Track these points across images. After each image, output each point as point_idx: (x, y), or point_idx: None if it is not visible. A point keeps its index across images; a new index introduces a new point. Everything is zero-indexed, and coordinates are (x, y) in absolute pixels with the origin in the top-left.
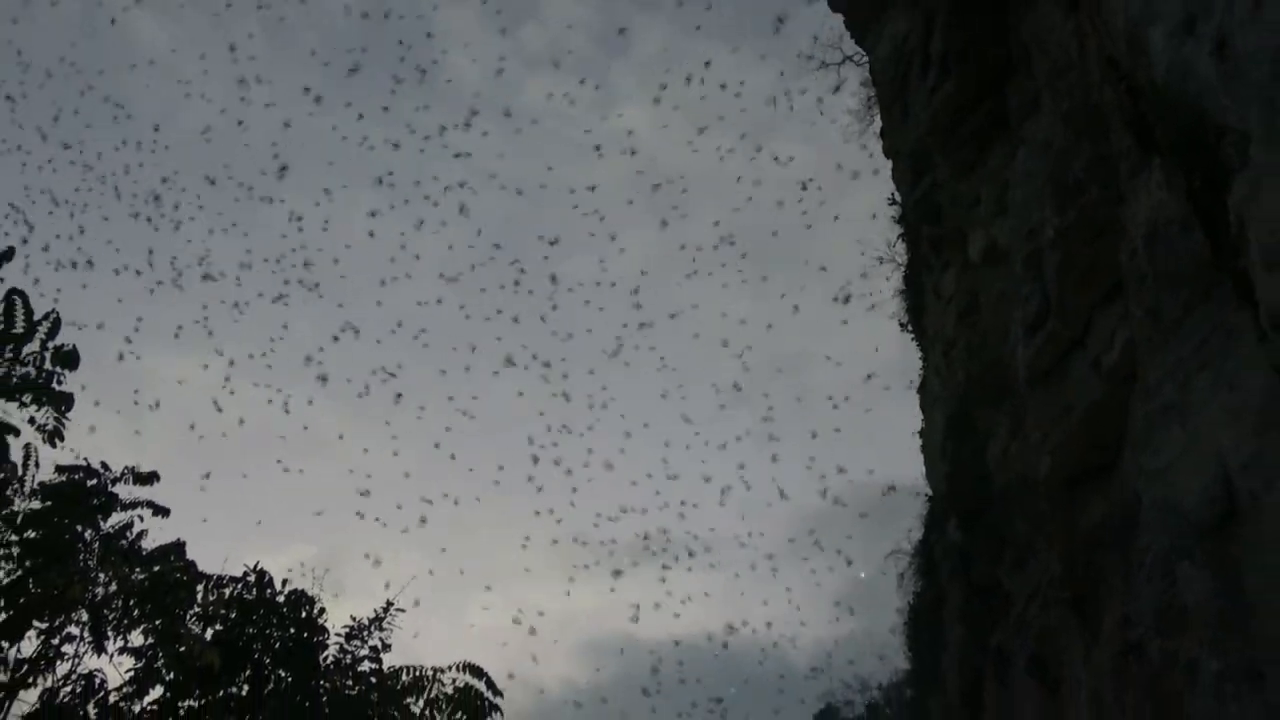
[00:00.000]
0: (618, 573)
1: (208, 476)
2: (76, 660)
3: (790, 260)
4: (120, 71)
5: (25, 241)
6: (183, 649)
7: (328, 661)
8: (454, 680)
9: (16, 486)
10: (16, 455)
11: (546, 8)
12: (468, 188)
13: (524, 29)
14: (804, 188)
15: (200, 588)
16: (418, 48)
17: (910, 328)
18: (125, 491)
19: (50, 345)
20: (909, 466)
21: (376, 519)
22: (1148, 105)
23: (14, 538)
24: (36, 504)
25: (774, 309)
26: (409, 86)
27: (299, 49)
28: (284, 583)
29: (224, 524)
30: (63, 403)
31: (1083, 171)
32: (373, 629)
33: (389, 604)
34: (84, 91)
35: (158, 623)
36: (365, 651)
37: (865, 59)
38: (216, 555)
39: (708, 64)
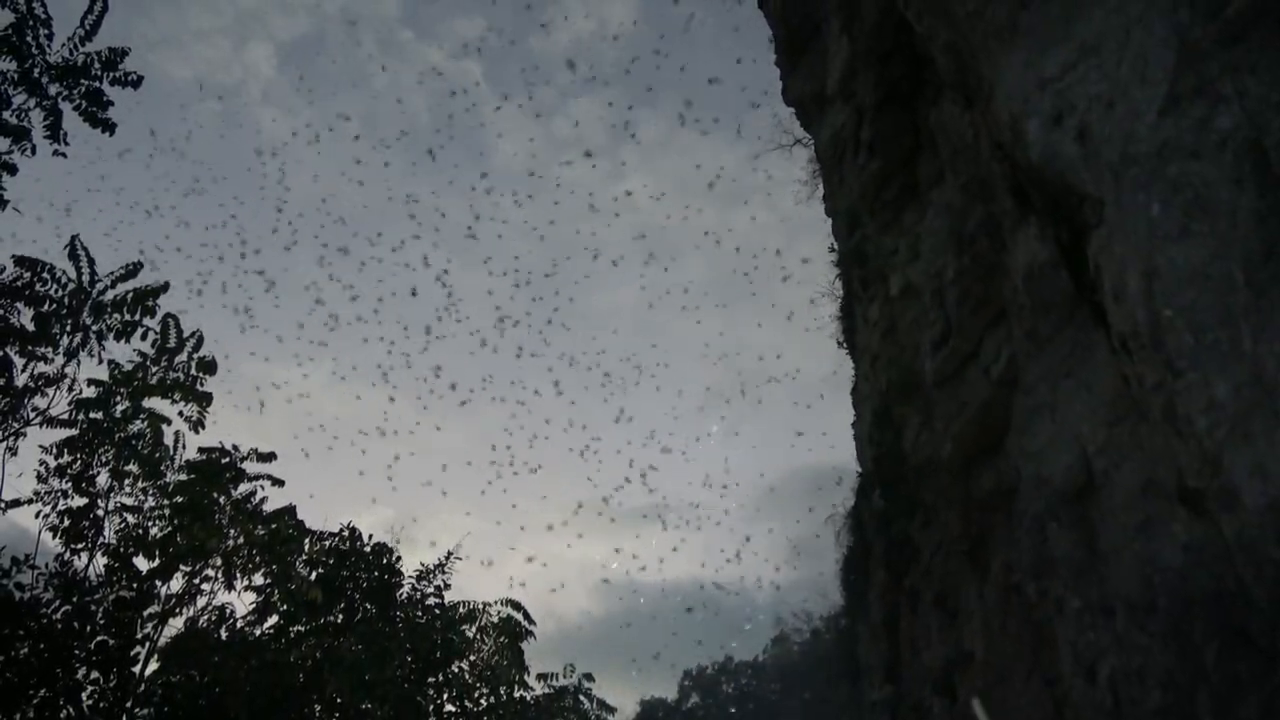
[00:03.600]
0: (620, 531)
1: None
2: (212, 595)
3: (757, 294)
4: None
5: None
6: (293, 587)
7: (402, 597)
8: (498, 612)
9: (169, 463)
10: (169, 440)
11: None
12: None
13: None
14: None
15: (307, 541)
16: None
17: (845, 345)
18: (250, 467)
19: (195, 356)
20: (841, 452)
21: (441, 491)
22: (1025, 177)
23: (166, 502)
24: (183, 476)
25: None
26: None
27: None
28: (370, 537)
29: (326, 492)
30: (204, 400)
31: (976, 227)
32: (436, 573)
33: (449, 554)
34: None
35: (274, 567)
36: (431, 590)
37: (811, 142)
38: (319, 516)
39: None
